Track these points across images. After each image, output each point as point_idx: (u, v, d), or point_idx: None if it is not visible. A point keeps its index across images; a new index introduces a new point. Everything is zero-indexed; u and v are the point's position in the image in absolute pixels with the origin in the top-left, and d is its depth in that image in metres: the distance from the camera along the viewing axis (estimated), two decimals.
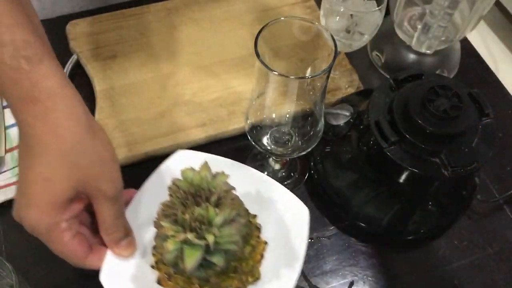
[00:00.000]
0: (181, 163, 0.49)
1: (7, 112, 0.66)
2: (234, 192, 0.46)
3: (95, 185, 0.40)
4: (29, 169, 0.39)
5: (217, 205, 0.44)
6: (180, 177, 0.46)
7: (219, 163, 0.51)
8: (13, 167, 0.61)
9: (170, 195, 0.45)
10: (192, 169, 0.47)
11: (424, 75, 0.58)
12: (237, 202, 0.46)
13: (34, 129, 0.38)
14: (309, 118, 0.55)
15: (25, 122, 0.38)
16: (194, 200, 0.44)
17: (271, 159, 0.64)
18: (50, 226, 0.40)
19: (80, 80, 0.70)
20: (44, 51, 0.39)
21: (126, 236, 0.44)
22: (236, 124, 0.66)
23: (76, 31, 0.73)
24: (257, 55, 0.46)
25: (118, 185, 0.42)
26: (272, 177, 0.64)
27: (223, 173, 0.47)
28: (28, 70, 0.37)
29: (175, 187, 0.45)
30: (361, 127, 0.59)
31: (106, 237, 0.43)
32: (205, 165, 0.47)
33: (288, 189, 0.63)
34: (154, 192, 0.49)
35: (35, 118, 0.38)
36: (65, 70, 0.70)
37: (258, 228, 0.49)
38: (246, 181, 0.51)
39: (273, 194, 0.52)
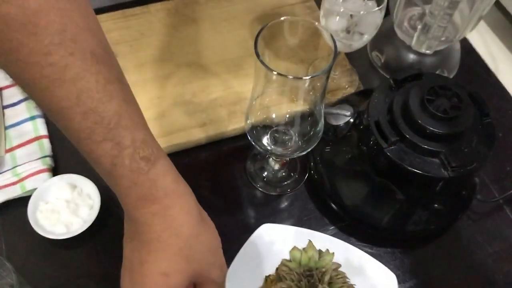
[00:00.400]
0: (266, 237, 0.53)
1: (7, 112, 0.66)
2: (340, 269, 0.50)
3: (206, 274, 0.42)
4: (147, 263, 0.40)
5: (329, 283, 0.47)
6: (266, 252, 0.51)
7: (303, 235, 0.54)
8: (13, 167, 0.61)
9: (284, 277, 0.48)
10: (298, 249, 0.51)
11: (424, 75, 0.58)
12: (346, 280, 0.49)
13: (152, 226, 0.39)
14: (309, 118, 0.55)
15: (143, 219, 0.39)
16: (308, 282, 0.47)
17: (271, 159, 0.64)
18: None
19: None
20: (158, 148, 0.40)
21: None
22: (236, 124, 0.66)
23: None
24: (257, 55, 0.46)
25: (225, 270, 0.44)
26: (272, 177, 0.64)
27: (328, 251, 0.51)
28: (147, 171, 0.38)
29: (286, 268, 0.49)
30: (361, 127, 0.59)
31: None
32: (311, 245, 0.52)
33: (288, 189, 0.64)
34: (243, 268, 0.52)
35: (153, 216, 0.39)
36: None
37: None
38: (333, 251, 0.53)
39: (358, 262, 0.53)
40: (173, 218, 0.40)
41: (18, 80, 0.35)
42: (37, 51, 0.33)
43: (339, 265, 0.51)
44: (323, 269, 0.49)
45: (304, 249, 0.52)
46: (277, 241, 0.55)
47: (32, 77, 0.34)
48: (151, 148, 0.39)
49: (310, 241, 0.52)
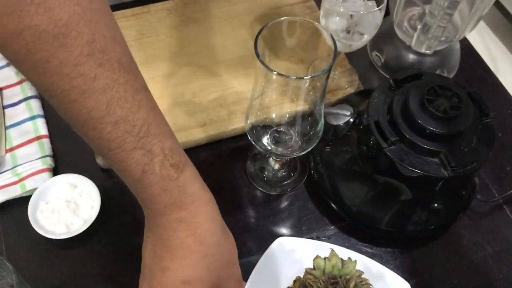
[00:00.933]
0: (281, 250, 0.54)
1: (8, 112, 0.66)
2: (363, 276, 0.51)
3: (225, 284, 0.42)
4: (169, 270, 0.40)
5: None
6: (282, 265, 0.52)
7: (318, 247, 0.55)
8: (14, 167, 0.61)
9: (310, 285, 0.50)
10: (322, 258, 0.52)
11: (424, 75, 0.58)
12: (370, 286, 0.51)
13: (177, 232, 0.39)
14: (309, 118, 0.55)
15: (168, 225, 0.40)
16: None
17: (271, 159, 0.64)
18: None
19: None
20: (185, 156, 0.40)
21: None
22: (236, 124, 0.66)
23: None
24: (257, 55, 0.46)
25: (241, 284, 0.45)
26: (272, 177, 0.64)
27: (350, 259, 0.52)
28: (176, 178, 0.39)
29: (312, 277, 0.51)
30: (361, 127, 0.59)
31: None
32: (334, 253, 0.53)
33: (288, 189, 0.64)
34: (260, 283, 0.53)
35: (179, 222, 0.39)
36: None
37: None
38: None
39: (373, 272, 0.54)
40: (198, 225, 0.40)
41: (47, 91, 0.35)
42: (67, 63, 0.33)
43: (362, 272, 0.52)
44: (348, 276, 0.51)
45: (327, 257, 0.53)
46: (292, 254, 0.56)
47: (62, 88, 0.34)
48: (179, 155, 0.39)
49: (332, 249, 0.53)
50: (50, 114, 0.67)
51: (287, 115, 0.56)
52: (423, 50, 0.70)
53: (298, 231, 0.60)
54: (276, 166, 0.65)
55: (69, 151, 0.64)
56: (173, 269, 0.40)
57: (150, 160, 0.37)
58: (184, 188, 0.39)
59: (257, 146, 0.56)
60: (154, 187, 0.38)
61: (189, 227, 0.40)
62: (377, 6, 0.60)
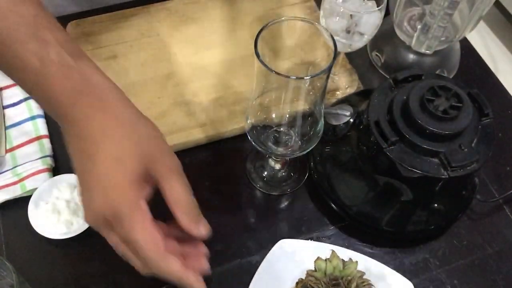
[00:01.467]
0: (283, 253, 0.55)
1: (8, 112, 0.66)
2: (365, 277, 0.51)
3: (161, 160, 0.41)
4: (96, 154, 0.39)
5: None
6: (284, 267, 0.53)
7: (319, 248, 0.56)
8: (14, 167, 0.61)
9: (311, 286, 0.50)
10: (323, 259, 0.52)
11: (424, 75, 0.58)
12: (372, 287, 0.51)
13: (93, 119, 0.39)
14: (309, 118, 0.55)
15: (82, 115, 0.39)
16: None
17: (271, 159, 0.64)
18: (132, 204, 0.38)
19: None
20: (81, 49, 0.42)
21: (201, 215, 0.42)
22: (236, 124, 0.66)
23: (77, 31, 0.73)
24: (257, 55, 0.46)
25: (177, 158, 0.43)
26: (272, 177, 0.64)
27: (351, 260, 0.53)
28: (75, 65, 0.39)
29: (313, 279, 0.51)
30: (361, 127, 0.59)
31: (185, 217, 0.40)
32: (335, 254, 0.53)
33: (288, 189, 0.64)
34: (264, 283, 0.54)
35: (90, 107, 0.39)
36: None
37: None
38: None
39: (376, 272, 0.55)
40: (113, 109, 0.40)
41: None
42: None
43: (363, 273, 0.52)
44: (349, 277, 0.51)
45: (328, 259, 0.53)
46: (293, 256, 0.56)
47: None
48: (75, 47, 0.41)
49: (333, 251, 0.53)
50: None
51: (287, 115, 0.56)
52: (423, 50, 0.70)
53: (298, 232, 0.61)
54: (276, 166, 0.65)
55: None
56: (100, 151, 0.39)
57: (46, 49, 0.38)
58: (85, 75, 0.40)
59: (257, 146, 0.56)
60: (55, 76, 0.39)
61: (104, 112, 0.40)
62: (377, 6, 0.60)
